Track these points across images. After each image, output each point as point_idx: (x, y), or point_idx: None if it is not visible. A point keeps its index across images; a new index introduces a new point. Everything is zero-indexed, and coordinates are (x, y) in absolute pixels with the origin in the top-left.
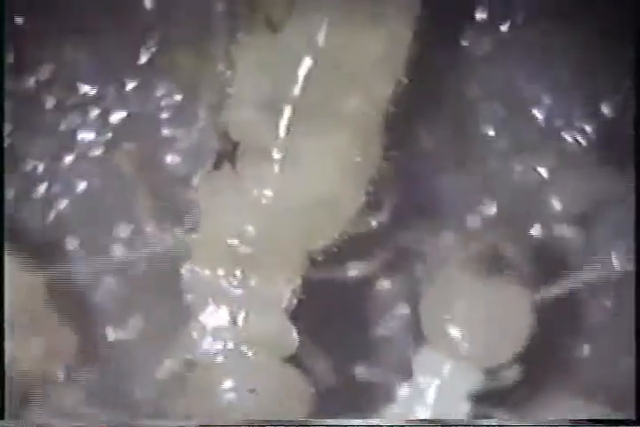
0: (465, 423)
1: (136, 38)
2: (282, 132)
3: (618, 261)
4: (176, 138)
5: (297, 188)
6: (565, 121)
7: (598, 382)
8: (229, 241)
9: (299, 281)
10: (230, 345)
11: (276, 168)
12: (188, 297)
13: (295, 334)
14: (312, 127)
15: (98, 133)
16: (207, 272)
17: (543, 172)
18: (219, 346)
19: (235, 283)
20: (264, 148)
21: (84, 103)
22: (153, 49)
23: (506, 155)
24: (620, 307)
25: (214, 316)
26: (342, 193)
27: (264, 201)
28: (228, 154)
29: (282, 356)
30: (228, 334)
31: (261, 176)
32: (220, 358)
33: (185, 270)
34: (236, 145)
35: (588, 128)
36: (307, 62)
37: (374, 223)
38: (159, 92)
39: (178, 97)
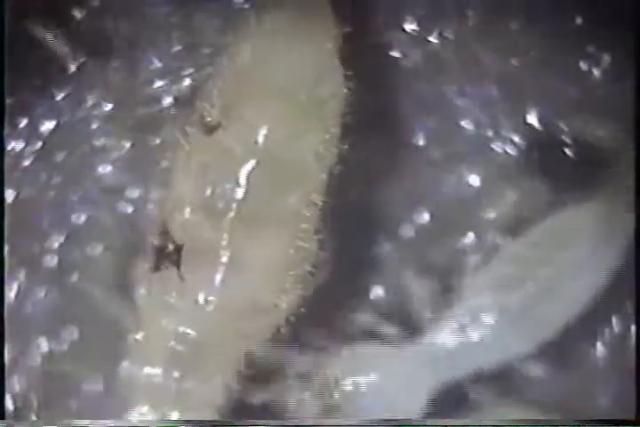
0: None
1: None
2: (225, 236)
3: None
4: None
5: (239, 294)
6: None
7: None
8: (169, 343)
9: (234, 383)
10: None
11: (221, 273)
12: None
13: None
14: (254, 231)
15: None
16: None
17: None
18: None
19: (170, 384)
20: (208, 252)
21: None
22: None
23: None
24: None
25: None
26: (280, 298)
27: (207, 306)
28: (170, 255)
29: None
30: None
31: (206, 281)
32: None
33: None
34: (179, 247)
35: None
36: (249, 164)
37: None
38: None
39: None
